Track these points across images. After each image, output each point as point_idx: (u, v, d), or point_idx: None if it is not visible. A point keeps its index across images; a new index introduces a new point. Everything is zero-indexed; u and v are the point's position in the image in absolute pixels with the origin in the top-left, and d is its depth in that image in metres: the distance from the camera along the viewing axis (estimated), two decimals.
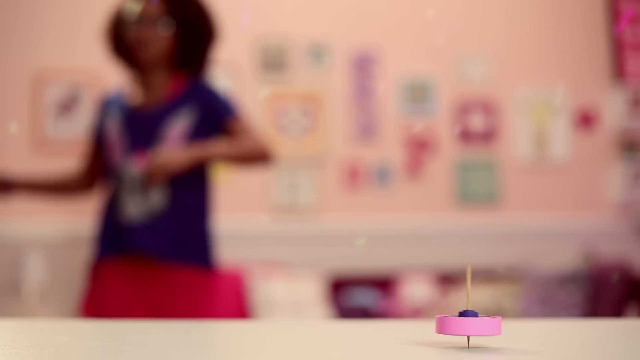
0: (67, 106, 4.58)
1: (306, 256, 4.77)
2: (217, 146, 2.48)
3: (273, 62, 4.83)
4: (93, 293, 2.48)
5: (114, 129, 2.50)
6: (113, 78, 4.59)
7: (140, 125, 2.50)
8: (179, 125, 2.46)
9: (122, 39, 2.52)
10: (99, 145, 2.60)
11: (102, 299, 2.47)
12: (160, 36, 2.45)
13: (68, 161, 4.51)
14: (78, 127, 4.58)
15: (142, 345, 1.12)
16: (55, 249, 4.48)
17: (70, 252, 4.48)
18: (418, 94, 4.97)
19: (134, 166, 2.44)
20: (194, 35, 2.51)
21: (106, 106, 2.60)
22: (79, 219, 4.54)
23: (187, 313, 2.36)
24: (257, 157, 2.49)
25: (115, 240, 2.46)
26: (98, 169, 2.64)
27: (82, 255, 4.48)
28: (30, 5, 4.59)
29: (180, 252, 2.44)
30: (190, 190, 2.48)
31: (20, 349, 1.09)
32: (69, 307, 4.47)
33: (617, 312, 4.20)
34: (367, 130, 4.89)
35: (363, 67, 4.91)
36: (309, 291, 4.43)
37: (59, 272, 4.47)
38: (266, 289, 4.35)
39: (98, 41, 2.67)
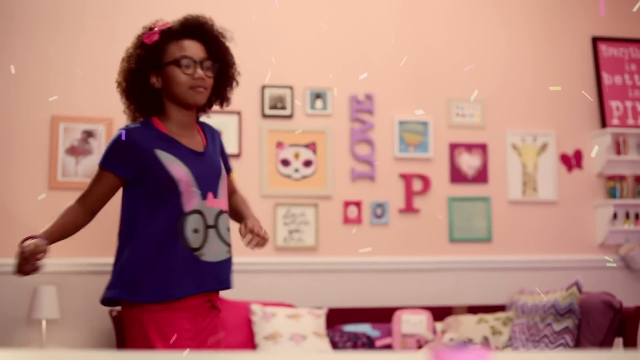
0: (81, 150, 4.74)
1: (306, 290, 4.87)
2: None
3: (275, 106, 4.97)
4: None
5: (178, 166, 2.40)
6: (124, 122, 4.75)
7: (202, 164, 2.46)
8: (220, 164, 2.56)
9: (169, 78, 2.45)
10: (125, 182, 2.45)
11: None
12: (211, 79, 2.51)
13: None
14: (91, 169, 4.72)
15: None
16: (69, 283, 4.58)
17: (82, 287, 4.60)
18: (413, 136, 5.10)
19: (216, 205, 2.44)
20: (226, 78, 2.57)
21: (139, 142, 2.43)
22: (89, 255, 4.65)
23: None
24: None
25: (199, 278, 2.41)
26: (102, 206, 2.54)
27: (92, 289, 4.59)
28: (50, 60, 4.75)
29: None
30: None
31: None
32: (83, 338, 4.56)
33: (604, 344, 4.26)
34: (364, 170, 5.04)
35: (361, 111, 5.07)
36: (309, 323, 4.49)
37: (72, 305, 4.58)
38: (268, 321, 4.40)
39: (113, 90, 2.58)
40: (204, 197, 2.43)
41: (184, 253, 2.38)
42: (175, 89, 2.45)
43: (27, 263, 2.26)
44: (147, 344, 2.33)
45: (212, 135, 2.60)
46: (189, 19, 2.50)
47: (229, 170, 2.64)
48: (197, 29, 2.50)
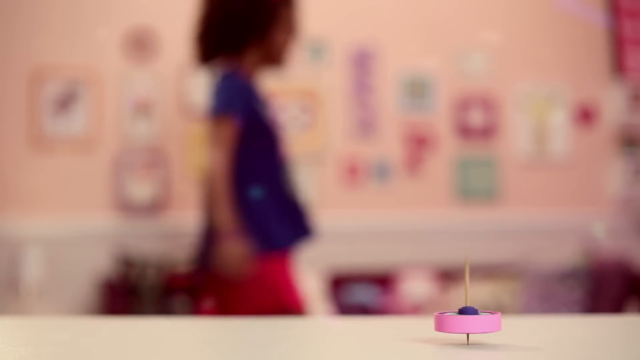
0: (64, 103, 4.59)
1: (306, 253, 4.78)
2: None
3: None
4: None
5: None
6: (110, 74, 4.63)
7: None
8: None
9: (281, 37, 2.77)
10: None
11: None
12: None
13: (65, 158, 4.55)
14: (75, 124, 4.59)
15: (146, 342, 1.12)
16: (54, 246, 4.47)
17: (69, 249, 4.49)
18: (417, 90, 4.98)
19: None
20: None
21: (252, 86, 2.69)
22: (77, 216, 4.55)
23: None
24: None
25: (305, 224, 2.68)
26: None
27: (81, 253, 4.51)
28: (29, 3, 4.60)
29: None
30: None
31: (18, 346, 1.09)
32: (68, 305, 4.49)
33: (617, 308, 4.23)
34: (366, 126, 4.91)
35: (362, 63, 4.92)
36: (309, 288, 4.42)
37: (58, 269, 4.47)
38: None
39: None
40: None
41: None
42: (284, 54, 2.75)
43: None
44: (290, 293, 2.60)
45: None
46: None
47: None
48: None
